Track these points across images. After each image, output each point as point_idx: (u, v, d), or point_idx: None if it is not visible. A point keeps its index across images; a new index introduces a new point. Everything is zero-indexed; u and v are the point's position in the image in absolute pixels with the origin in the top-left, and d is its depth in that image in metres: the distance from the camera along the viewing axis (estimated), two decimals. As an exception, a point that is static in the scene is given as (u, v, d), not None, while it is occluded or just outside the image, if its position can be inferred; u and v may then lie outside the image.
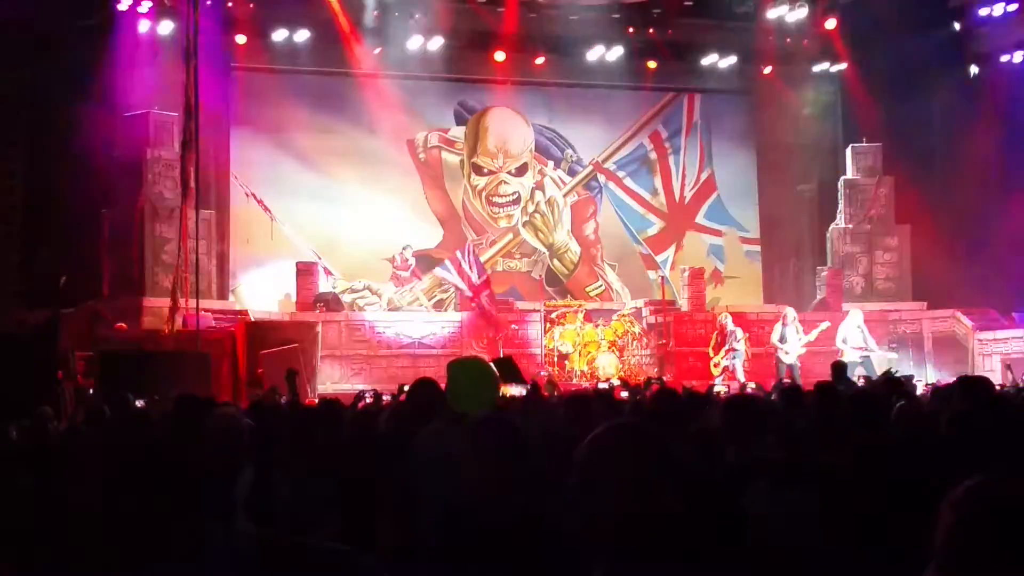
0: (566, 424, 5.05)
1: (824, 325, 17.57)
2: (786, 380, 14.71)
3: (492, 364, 4.86)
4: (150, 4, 18.35)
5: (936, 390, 7.72)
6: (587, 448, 2.32)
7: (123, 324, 16.02)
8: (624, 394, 10.65)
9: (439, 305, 21.05)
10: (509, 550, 2.62)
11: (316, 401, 11.34)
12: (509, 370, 4.30)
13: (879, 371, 14.42)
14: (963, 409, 4.28)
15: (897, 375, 9.89)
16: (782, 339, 17.28)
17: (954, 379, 7.01)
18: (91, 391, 11.97)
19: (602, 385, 15.47)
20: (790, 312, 17.76)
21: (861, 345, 17.36)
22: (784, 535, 3.29)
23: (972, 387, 5.59)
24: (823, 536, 3.27)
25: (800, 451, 4.37)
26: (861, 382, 12.32)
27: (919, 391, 9.91)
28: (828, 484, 3.50)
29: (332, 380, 17.36)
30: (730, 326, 17.87)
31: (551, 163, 22.66)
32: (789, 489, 3.44)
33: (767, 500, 3.43)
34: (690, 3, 20.98)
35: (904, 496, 3.24)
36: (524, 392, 9.93)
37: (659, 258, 22.91)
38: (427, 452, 3.33)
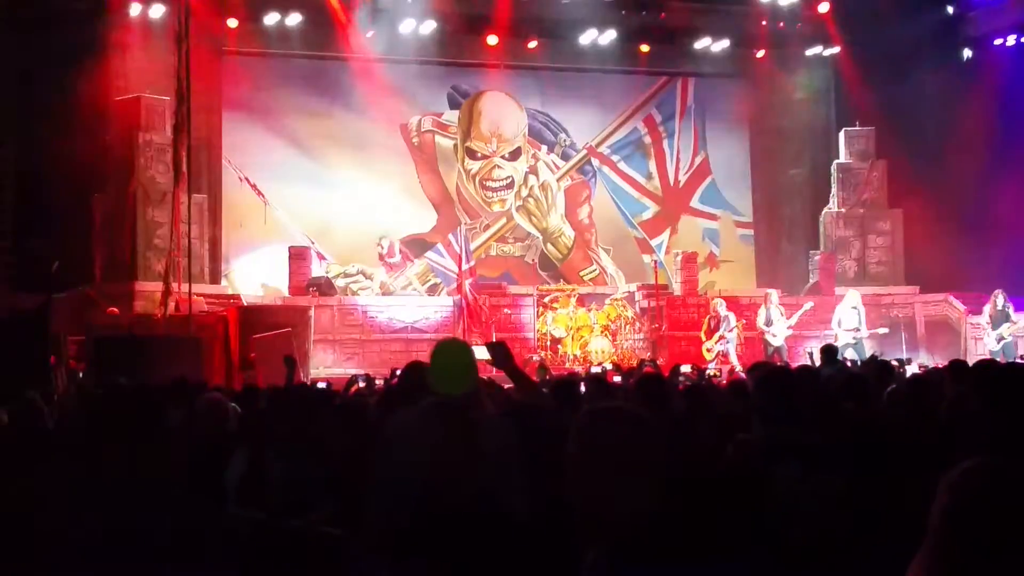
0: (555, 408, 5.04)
1: (807, 306, 17.60)
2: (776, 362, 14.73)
3: (485, 348, 4.85)
4: (141, -13, 18.23)
5: (928, 373, 7.74)
6: (573, 434, 2.30)
7: (115, 308, 15.99)
8: (617, 378, 10.64)
9: (432, 290, 21.02)
10: (473, 533, 2.60)
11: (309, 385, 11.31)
12: (502, 355, 4.28)
13: (868, 355, 14.42)
14: (960, 393, 4.27)
15: (882, 359, 9.89)
16: (767, 322, 17.32)
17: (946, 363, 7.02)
18: (82, 375, 11.95)
19: (595, 369, 15.45)
20: (773, 294, 17.80)
21: (855, 327, 17.36)
22: (816, 519, 3.23)
23: (964, 371, 5.60)
24: (856, 520, 3.23)
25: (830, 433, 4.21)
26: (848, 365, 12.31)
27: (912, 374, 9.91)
28: (862, 466, 3.44)
29: (325, 365, 17.35)
30: (723, 311, 17.88)
31: (545, 147, 22.60)
32: (822, 472, 3.37)
33: (800, 483, 3.34)
34: (683, -14, 20.93)
35: (901, 479, 3.22)
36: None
37: (654, 242, 22.90)
38: (392, 436, 3.31)
